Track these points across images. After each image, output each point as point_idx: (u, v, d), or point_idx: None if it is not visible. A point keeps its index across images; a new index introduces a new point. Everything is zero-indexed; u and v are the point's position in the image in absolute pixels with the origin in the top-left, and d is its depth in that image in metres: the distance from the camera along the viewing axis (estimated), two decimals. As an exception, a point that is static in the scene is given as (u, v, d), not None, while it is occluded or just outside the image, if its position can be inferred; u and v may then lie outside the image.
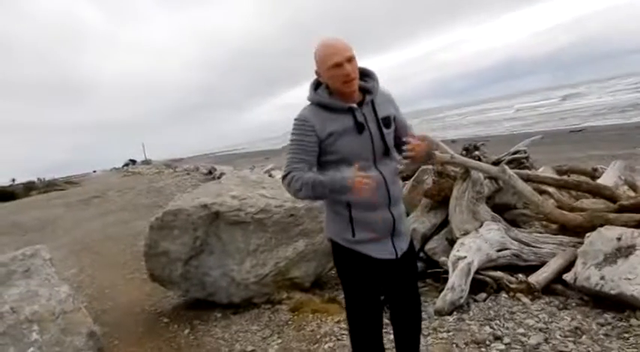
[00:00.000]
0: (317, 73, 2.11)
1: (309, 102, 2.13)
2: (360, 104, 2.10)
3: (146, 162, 60.16)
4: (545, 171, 5.62)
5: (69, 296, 3.43)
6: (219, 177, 13.61)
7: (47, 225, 12.11)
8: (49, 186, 28.28)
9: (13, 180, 39.04)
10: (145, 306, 5.00)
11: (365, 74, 2.16)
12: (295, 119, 2.10)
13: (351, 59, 2.00)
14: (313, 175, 2.02)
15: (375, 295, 2.24)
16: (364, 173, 1.92)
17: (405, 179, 5.62)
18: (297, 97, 2.16)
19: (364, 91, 2.13)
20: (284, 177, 2.08)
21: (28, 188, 27.87)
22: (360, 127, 2.05)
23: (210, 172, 20.47)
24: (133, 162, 62.21)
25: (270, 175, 11.92)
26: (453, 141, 18.37)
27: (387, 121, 2.14)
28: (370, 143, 2.09)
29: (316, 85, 2.15)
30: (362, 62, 2.09)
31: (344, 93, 2.06)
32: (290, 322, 3.92)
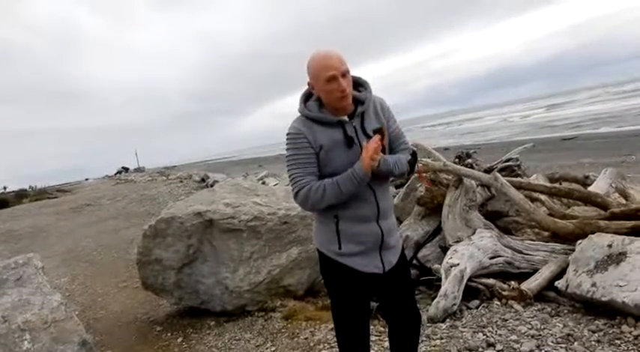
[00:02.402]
0: (310, 85, 2.07)
1: (299, 114, 2.08)
2: (352, 116, 2.05)
3: (139, 169, 59.80)
4: (537, 179, 5.67)
5: (61, 305, 3.41)
6: (212, 185, 13.57)
7: (39, 233, 12.00)
8: (41, 194, 28.07)
9: (5, 188, 38.67)
10: (138, 314, 4.98)
11: (359, 84, 2.11)
12: (288, 133, 2.04)
13: (345, 74, 1.96)
14: (328, 178, 1.98)
15: (361, 306, 2.21)
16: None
17: (397, 187, 5.64)
18: (295, 105, 2.11)
19: (356, 102, 2.07)
20: (297, 195, 2.00)
21: (20, 196, 27.62)
22: (349, 141, 2.01)
23: (203, 180, 20.41)
24: (126, 169, 61.81)
25: (263, 183, 11.92)
26: (446, 149, 18.47)
27: (378, 133, 2.06)
28: (360, 157, 2.00)
29: (306, 97, 2.10)
30: (360, 69, 2.00)
31: (337, 107, 2.02)
32: (283, 330, 3.91)
